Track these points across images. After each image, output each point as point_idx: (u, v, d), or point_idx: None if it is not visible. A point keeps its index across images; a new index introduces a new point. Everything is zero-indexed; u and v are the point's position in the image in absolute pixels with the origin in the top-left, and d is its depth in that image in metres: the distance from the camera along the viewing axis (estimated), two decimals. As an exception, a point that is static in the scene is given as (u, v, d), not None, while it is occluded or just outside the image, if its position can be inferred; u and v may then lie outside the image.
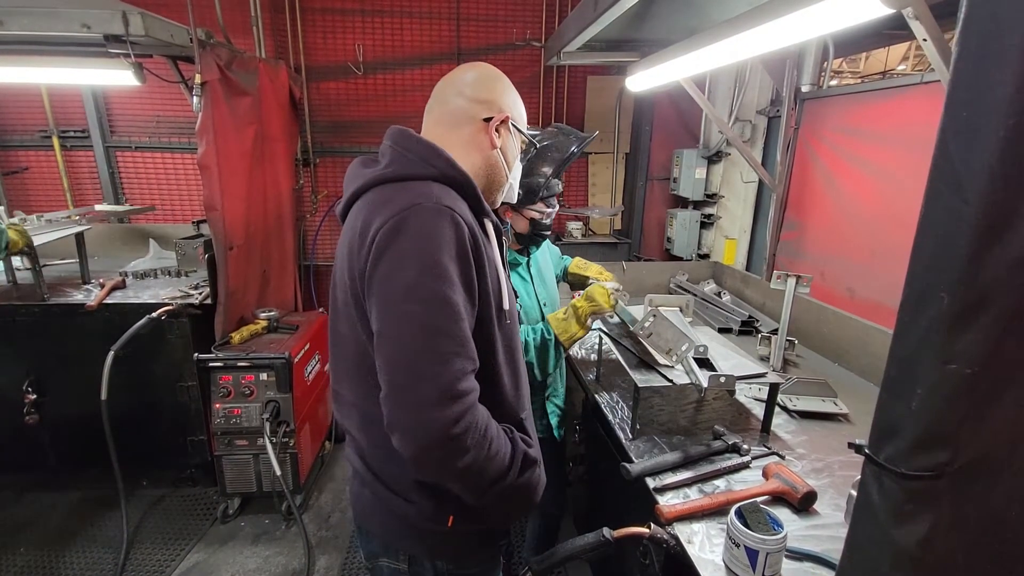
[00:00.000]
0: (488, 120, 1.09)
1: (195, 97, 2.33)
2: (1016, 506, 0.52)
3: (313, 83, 3.78)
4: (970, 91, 0.43)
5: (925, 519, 0.50)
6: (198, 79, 2.30)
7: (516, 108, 1.15)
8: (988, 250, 0.43)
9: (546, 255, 2.00)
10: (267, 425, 2.45)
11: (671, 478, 1.36)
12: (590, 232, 4.21)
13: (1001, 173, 0.41)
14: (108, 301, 2.58)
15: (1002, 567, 0.53)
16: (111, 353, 2.33)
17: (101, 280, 2.74)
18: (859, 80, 7.15)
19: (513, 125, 1.13)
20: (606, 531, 1.19)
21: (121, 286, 2.76)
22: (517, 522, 2.48)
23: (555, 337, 1.65)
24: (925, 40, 1.37)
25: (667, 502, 1.27)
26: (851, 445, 1.07)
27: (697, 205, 4.00)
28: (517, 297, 1.59)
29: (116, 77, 2.45)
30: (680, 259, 3.93)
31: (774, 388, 1.57)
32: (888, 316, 2.22)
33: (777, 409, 1.68)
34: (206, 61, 2.34)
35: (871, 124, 2.51)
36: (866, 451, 0.54)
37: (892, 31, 2.60)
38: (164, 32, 2.31)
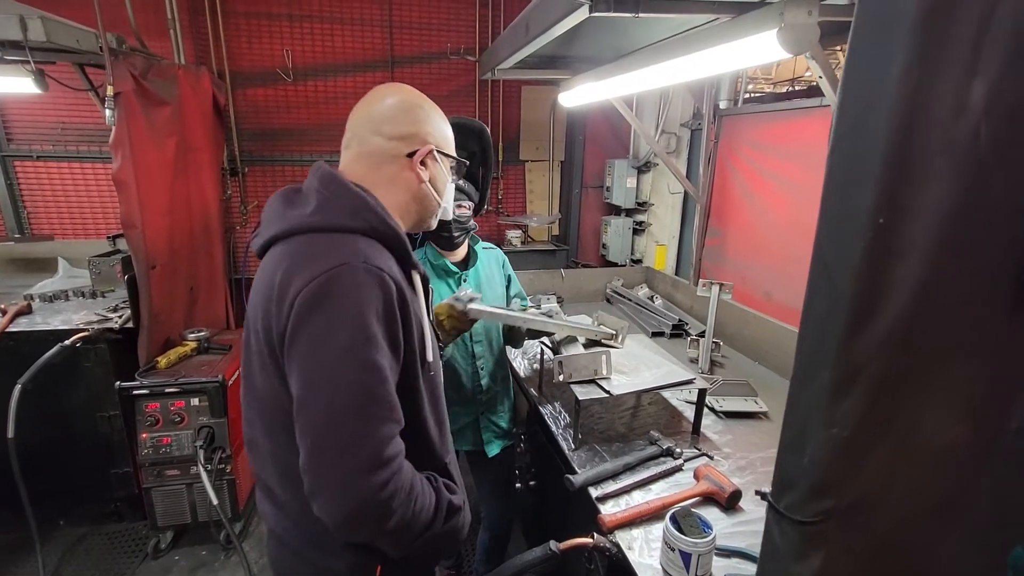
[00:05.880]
0: (412, 155, 1.03)
1: (108, 110, 2.18)
2: (898, 532, 0.63)
3: (239, 89, 3.61)
4: (839, 210, 0.52)
5: (818, 555, 0.60)
6: (110, 91, 2.16)
7: (440, 132, 1.09)
8: (858, 332, 0.52)
9: (491, 270, 1.96)
10: (201, 453, 2.33)
11: (612, 486, 1.45)
12: (529, 239, 4.29)
13: (866, 273, 0.50)
14: (12, 329, 2.36)
15: None
16: (18, 387, 2.15)
17: (2, 306, 2.50)
18: (771, 86, 7.70)
19: (439, 152, 1.07)
20: (552, 544, 1.25)
21: (27, 311, 2.53)
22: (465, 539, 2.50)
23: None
24: (821, 78, 1.53)
25: (608, 511, 1.35)
26: (758, 493, 1.21)
27: (629, 212, 4.18)
28: (442, 344, 1.56)
29: (14, 84, 2.25)
30: (616, 264, 4.10)
31: (702, 393, 1.70)
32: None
33: (705, 410, 1.81)
34: (119, 71, 2.19)
35: (778, 141, 2.74)
36: (769, 499, 0.64)
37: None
38: (69, 38, 2.14)
